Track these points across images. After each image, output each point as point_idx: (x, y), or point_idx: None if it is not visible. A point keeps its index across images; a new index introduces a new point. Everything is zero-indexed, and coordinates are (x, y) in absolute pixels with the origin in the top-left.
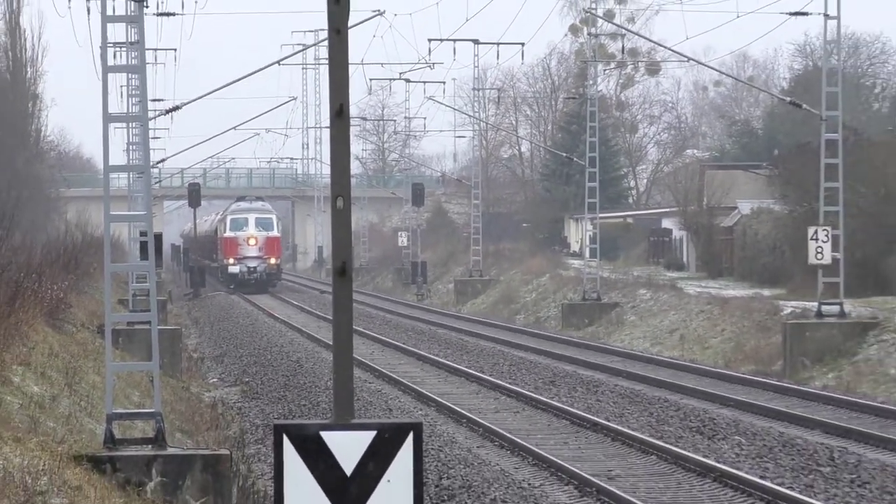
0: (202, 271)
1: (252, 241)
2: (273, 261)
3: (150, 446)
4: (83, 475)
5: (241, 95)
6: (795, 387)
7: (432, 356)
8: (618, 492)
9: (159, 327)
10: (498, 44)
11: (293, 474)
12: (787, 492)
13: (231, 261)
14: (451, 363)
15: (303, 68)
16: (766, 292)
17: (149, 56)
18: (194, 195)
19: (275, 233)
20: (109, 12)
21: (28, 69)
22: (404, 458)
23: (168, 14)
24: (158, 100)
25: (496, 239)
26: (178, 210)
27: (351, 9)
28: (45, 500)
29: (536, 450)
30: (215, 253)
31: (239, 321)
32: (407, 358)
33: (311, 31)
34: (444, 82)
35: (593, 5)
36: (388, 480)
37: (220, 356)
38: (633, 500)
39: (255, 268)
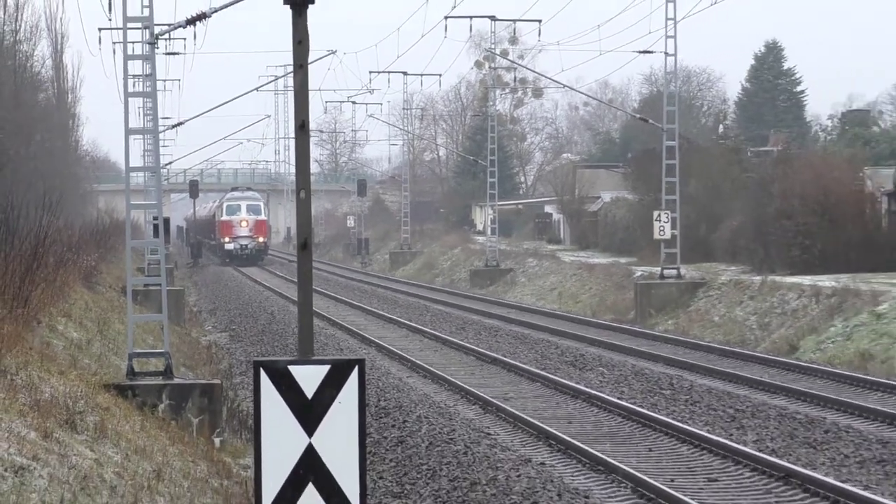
0: (200, 246)
1: (244, 224)
2: (261, 239)
3: (160, 377)
4: (111, 399)
5: (229, 113)
6: (644, 330)
7: (373, 309)
8: (511, 409)
9: (167, 288)
10: (421, 75)
11: (268, 398)
12: (638, 408)
13: (227, 239)
14: (387, 314)
15: (275, 93)
16: (623, 260)
17: (159, 84)
18: (194, 188)
19: (262, 216)
20: (130, 52)
21: (69, 95)
22: (351, 385)
23: (174, 53)
24: (167, 117)
25: (421, 221)
26: (182, 200)
27: (310, 48)
28: (82, 418)
29: (451, 379)
30: (213, 233)
31: (228, 284)
32: (354, 310)
33: (281, 66)
34: (381, 104)
35: (493, 46)
36: (340, 402)
37: (213, 310)
38: (522, 415)
39: (246, 245)
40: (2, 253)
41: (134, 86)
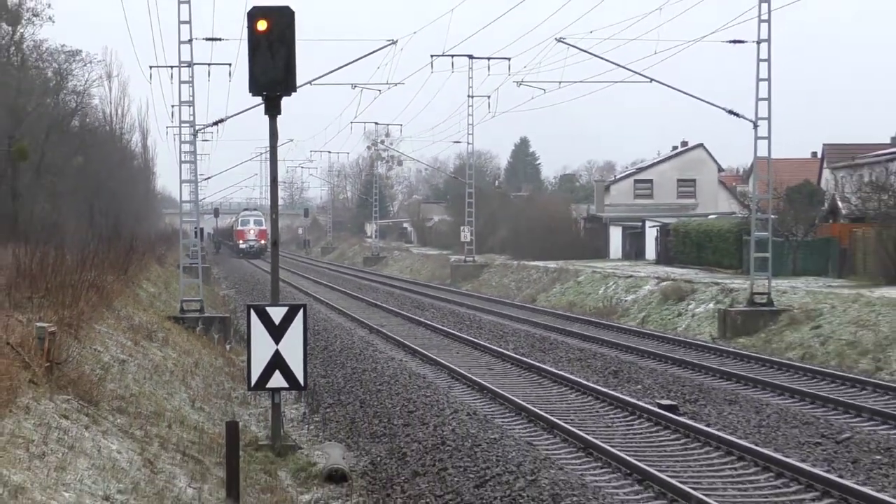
0: (220, 244)
1: (252, 232)
2: (263, 242)
3: (198, 313)
4: (171, 324)
5: (235, 173)
6: (456, 290)
7: (310, 277)
8: (385, 331)
9: (202, 265)
10: (339, 152)
11: (255, 324)
12: (451, 331)
13: (241, 241)
14: (318, 280)
15: (259, 161)
16: (445, 252)
17: (198, 156)
18: (217, 212)
19: (264, 227)
20: (183, 139)
21: (150, 163)
22: (299, 318)
23: (206, 140)
24: (202, 174)
25: (337, 231)
26: (209, 218)
27: (279, 137)
28: (155, 334)
29: (352, 314)
30: (231, 237)
31: (235, 265)
32: (300, 278)
33: (263, 147)
34: (317, 168)
35: (377, 137)
36: (293, 327)
37: (226, 277)
38: (390, 335)
39: (253, 245)
40: (115, 246)
41: (183, 157)
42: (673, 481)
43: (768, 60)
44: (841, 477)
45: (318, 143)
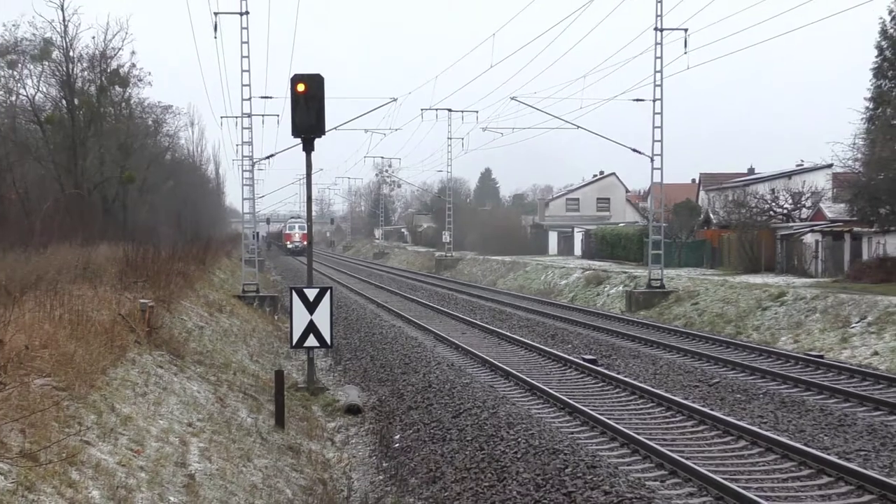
0: (270, 244)
1: (297, 235)
2: (305, 243)
3: (255, 293)
4: (235, 301)
5: (281, 193)
6: (439, 276)
7: (334, 267)
8: (388, 306)
9: (258, 259)
10: (355, 178)
11: (295, 301)
12: (435, 306)
13: (288, 242)
14: (339, 269)
15: (298, 185)
16: (431, 249)
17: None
18: (268, 221)
19: (305, 232)
20: (244, 168)
21: (221, 186)
22: (328, 296)
23: (261, 168)
24: (258, 194)
25: (355, 234)
26: (263, 225)
27: (312, 167)
28: (224, 307)
29: (364, 294)
30: (280, 239)
31: (283, 260)
32: (327, 268)
33: (300, 174)
34: (339, 189)
35: (383, 166)
36: (323, 303)
37: (276, 268)
38: (393, 308)
39: (297, 245)
40: (195, 245)
41: (244, 182)
42: (594, 413)
43: (661, 113)
44: (712, 409)
45: (340, 171)
